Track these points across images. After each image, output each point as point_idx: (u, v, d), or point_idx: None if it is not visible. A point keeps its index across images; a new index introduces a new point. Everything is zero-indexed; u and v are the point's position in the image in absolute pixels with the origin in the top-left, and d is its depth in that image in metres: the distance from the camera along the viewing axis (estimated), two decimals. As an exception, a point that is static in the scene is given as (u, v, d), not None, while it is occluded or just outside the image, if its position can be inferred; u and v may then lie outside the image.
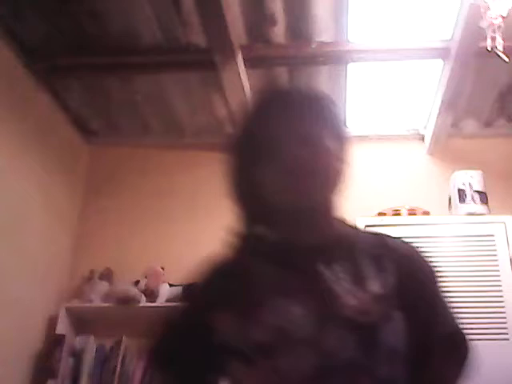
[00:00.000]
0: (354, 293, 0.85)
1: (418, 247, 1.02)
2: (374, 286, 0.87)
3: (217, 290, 0.92)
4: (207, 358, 0.91)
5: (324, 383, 0.80)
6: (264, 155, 0.93)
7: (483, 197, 2.58)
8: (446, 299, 0.98)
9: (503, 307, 2.26)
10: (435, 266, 1.01)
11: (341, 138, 1.01)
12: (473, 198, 2.57)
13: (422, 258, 1.01)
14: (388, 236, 1.03)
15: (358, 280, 0.88)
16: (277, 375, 0.81)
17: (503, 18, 1.86)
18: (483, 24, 1.90)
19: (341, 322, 0.82)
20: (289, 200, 0.92)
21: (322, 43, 2.52)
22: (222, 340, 0.87)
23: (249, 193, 0.97)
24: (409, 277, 0.92)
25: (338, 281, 0.87)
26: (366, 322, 0.83)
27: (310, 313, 0.83)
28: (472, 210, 2.54)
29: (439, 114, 2.79)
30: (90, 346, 2.65)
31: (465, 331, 0.97)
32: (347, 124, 3.05)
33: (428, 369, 0.91)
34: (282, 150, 0.91)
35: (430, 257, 1.01)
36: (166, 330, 1.03)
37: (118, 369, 2.59)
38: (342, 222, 1.00)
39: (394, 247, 0.99)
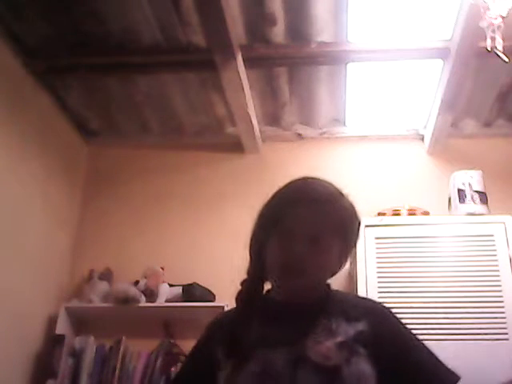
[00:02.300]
0: (321, 342, 1.02)
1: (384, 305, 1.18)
2: (339, 335, 1.03)
3: (220, 336, 1.12)
4: None
5: None
6: (275, 238, 1.11)
7: (483, 197, 2.57)
8: (417, 340, 1.12)
9: (503, 307, 2.26)
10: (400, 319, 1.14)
11: (347, 243, 1.15)
12: (472, 198, 2.56)
13: (389, 311, 1.15)
14: (367, 299, 1.26)
15: (328, 332, 1.04)
16: None
17: (503, 18, 1.86)
18: (483, 24, 1.90)
19: (309, 366, 1.00)
20: (283, 281, 1.11)
21: (322, 43, 2.52)
22: (218, 377, 1.07)
23: (258, 257, 1.15)
24: (379, 327, 1.07)
25: (312, 333, 1.04)
26: (329, 366, 0.99)
27: (286, 359, 1.01)
28: (472, 210, 2.54)
29: (439, 113, 2.79)
30: (89, 345, 2.65)
31: (447, 367, 1.12)
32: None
33: None
34: (287, 242, 1.08)
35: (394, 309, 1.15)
36: (186, 360, 1.31)
37: (118, 369, 2.59)
38: (335, 291, 1.18)
39: (364, 303, 1.19)
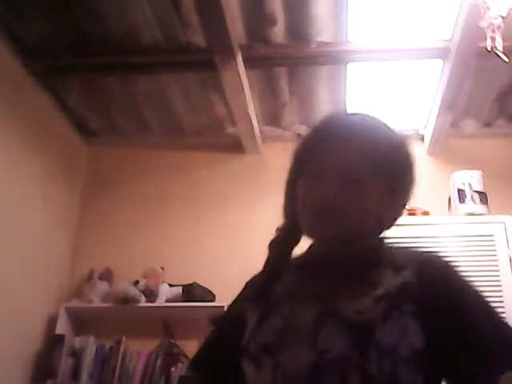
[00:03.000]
0: (357, 296, 0.88)
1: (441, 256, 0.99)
2: (379, 289, 0.89)
3: (250, 291, 1.02)
4: (234, 360, 0.96)
5: (318, 379, 0.83)
6: (306, 179, 0.98)
7: (483, 197, 2.57)
8: (482, 304, 0.93)
9: (503, 307, 2.26)
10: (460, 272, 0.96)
11: (397, 187, 0.98)
12: (472, 198, 2.56)
13: (448, 264, 0.97)
14: (424, 251, 1.03)
15: (369, 285, 0.90)
16: (278, 372, 0.86)
17: (503, 18, 1.86)
18: (483, 24, 1.90)
19: (336, 322, 0.86)
20: (318, 229, 0.97)
21: (322, 43, 2.52)
22: (244, 342, 0.94)
23: (291, 207, 1.02)
24: (431, 280, 0.91)
25: (349, 288, 0.90)
26: (361, 321, 0.85)
27: (311, 313, 0.89)
28: (472, 210, 2.54)
29: (439, 114, 2.79)
30: (89, 345, 2.65)
31: None
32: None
33: None
34: (317, 182, 0.95)
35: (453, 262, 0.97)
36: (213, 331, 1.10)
37: (118, 369, 2.59)
38: (389, 245, 1.01)
39: (418, 253, 1.01)
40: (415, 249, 1.04)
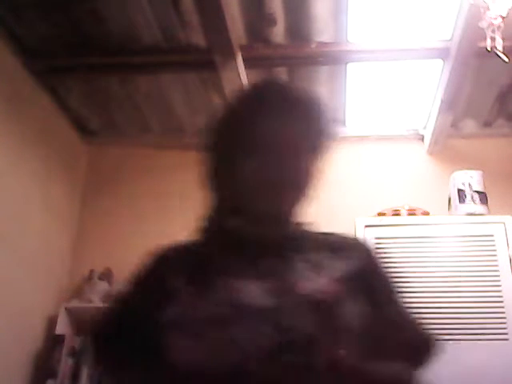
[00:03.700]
0: (311, 276, 0.89)
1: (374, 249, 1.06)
2: (331, 271, 0.91)
3: (177, 264, 0.96)
4: (153, 331, 0.89)
5: (283, 357, 0.80)
6: (247, 152, 0.95)
7: (483, 197, 2.57)
8: (401, 302, 1.02)
9: (503, 307, 2.26)
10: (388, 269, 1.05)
11: (322, 148, 1.01)
12: (472, 198, 2.56)
13: (379, 260, 1.04)
14: (350, 236, 1.08)
15: (317, 267, 0.92)
16: (234, 347, 0.81)
17: (503, 18, 1.86)
18: (483, 24, 1.90)
19: (298, 301, 0.85)
20: (258, 203, 0.95)
21: (322, 43, 2.52)
22: (173, 312, 0.87)
23: (225, 183, 0.99)
24: (368, 273, 0.97)
25: (297, 267, 0.91)
26: (323, 301, 0.86)
27: (268, 292, 0.86)
28: (472, 210, 2.54)
29: (439, 114, 2.79)
30: (89, 346, 2.65)
31: (425, 331, 1.00)
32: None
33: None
34: (267, 154, 0.93)
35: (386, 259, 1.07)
36: (119, 302, 1.05)
37: (118, 369, 2.59)
38: (306, 225, 1.03)
39: (355, 243, 1.06)
40: (339, 233, 1.06)
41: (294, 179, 0.95)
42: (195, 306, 0.86)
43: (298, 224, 1.01)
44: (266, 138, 0.94)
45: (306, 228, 1.03)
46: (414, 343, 0.98)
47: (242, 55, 2.51)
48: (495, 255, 2.36)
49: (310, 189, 0.99)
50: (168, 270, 0.95)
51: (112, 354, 0.99)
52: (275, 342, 0.81)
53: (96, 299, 2.74)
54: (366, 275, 0.96)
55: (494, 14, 1.85)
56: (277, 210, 0.96)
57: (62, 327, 2.68)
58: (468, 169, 2.68)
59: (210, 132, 1.03)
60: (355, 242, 1.06)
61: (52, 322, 2.70)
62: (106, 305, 2.70)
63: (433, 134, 2.96)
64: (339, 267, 0.93)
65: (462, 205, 2.57)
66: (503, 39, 1.88)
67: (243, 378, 0.79)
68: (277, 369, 0.79)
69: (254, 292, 0.85)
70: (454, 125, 3.02)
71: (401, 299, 1.01)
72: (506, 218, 2.45)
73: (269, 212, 0.95)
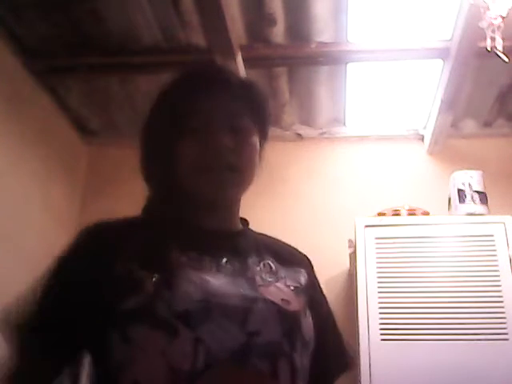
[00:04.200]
0: (273, 283, 0.87)
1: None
2: (288, 281, 0.90)
3: (122, 246, 0.86)
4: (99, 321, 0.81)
5: (246, 361, 0.78)
6: (190, 136, 0.90)
7: (483, 197, 2.57)
8: (332, 316, 1.02)
9: (503, 307, 2.26)
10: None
11: (264, 134, 1.00)
12: (472, 198, 2.56)
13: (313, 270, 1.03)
14: (279, 241, 1.04)
15: (274, 274, 0.89)
16: (201, 347, 0.77)
17: (503, 18, 1.86)
18: (483, 24, 1.90)
19: (265, 306, 0.82)
20: (203, 190, 0.91)
21: (322, 43, 2.52)
22: (134, 301, 0.79)
23: (165, 170, 0.94)
24: (311, 289, 0.96)
25: (255, 269, 0.88)
26: (289, 311, 0.84)
27: (236, 293, 0.82)
28: (472, 210, 2.54)
29: (439, 114, 2.79)
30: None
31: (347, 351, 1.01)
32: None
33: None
34: (209, 137, 0.89)
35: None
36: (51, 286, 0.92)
37: (118, 369, 2.58)
38: (242, 219, 1.01)
39: (301, 257, 1.02)
40: (277, 239, 1.03)
41: (238, 163, 0.91)
42: (162, 298, 0.78)
43: (242, 220, 0.99)
44: (208, 118, 0.90)
45: (246, 225, 1.00)
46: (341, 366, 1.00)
47: (242, 55, 2.51)
48: (495, 255, 2.36)
49: (253, 176, 0.95)
50: (113, 252, 0.86)
51: (39, 350, 0.86)
52: (240, 344, 0.78)
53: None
54: (310, 290, 0.95)
55: (494, 14, 1.85)
56: (222, 197, 0.91)
57: (62, 327, 2.67)
58: (468, 169, 2.68)
59: (147, 118, 0.99)
60: (301, 256, 1.02)
61: (52, 322, 2.70)
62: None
63: (433, 134, 2.96)
64: (294, 278, 0.91)
65: (462, 205, 2.57)
66: (503, 39, 1.88)
67: (207, 378, 0.76)
68: (241, 372, 0.77)
69: (221, 288, 0.81)
70: (454, 125, 3.02)
71: (334, 320, 1.02)
72: (506, 218, 2.45)
73: (214, 199, 0.91)
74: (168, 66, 2.68)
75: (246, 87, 0.96)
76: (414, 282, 2.33)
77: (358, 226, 2.48)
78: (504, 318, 2.24)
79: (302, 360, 0.84)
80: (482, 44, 2.06)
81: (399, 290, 2.32)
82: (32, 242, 2.67)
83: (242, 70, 2.55)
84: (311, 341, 0.88)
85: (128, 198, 3.15)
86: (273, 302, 0.83)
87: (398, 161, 3.11)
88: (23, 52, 2.58)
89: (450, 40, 2.43)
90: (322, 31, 2.47)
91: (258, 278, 0.86)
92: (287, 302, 0.85)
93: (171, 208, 0.94)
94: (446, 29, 2.41)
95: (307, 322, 0.87)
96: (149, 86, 2.83)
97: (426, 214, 2.64)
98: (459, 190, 2.60)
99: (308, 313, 0.89)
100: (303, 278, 0.94)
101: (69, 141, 3.12)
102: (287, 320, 0.83)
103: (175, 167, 0.91)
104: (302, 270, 0.95)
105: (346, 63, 2.63)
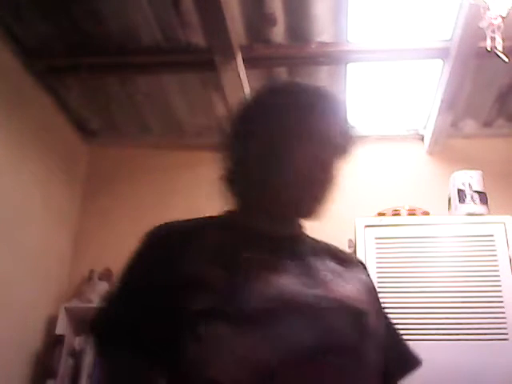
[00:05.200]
0: (338, 282, 0.89)
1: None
2: (352, 281, 0.92)
3: (204, 246, 0.87)
4: (175, 320, 0.81)
5: (319, 358, 0.78)
6: (306, 146, 0.92)
7: (483, 197, 2.57)
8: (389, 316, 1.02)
9: (503, 307, 2.26)
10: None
11: (345, 147, 1.02)
12: (472, 198, 2.56)
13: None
14: (332, 245, 1.07)
15: (338, 275, 0.92)
16: (277, 344, 0.77)
17: (503, 18, 1.86)
18: (483, 24, 1.90)
19: (336, 305, 0.84)
20: (293, 200, 0.93)
21: (322, 43, 2.52)
22: (207, 300, 0.80)
23: (264, 177, 0.94)
24: (372, 287, 0.99)
25: (320, 271, 0.90)
26: (359, 310, 0.86)
27: (307, 292, 0.83)
28: (472, 210, 2.54)
29: (439, 114, 2.79)
30: (89, 346, 2.65)
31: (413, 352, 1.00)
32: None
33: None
34: (303, 151, 0.91)
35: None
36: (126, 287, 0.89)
37: (118, 369, 2.58)
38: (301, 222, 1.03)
39: (358, 260, 1.05)
40: (332, 244, 1.06)
41: (331, 178, 0.95)
42: (235, 297, 0.79)
43: (301, 225, 1.02)
44: (319, 132, 0.93)
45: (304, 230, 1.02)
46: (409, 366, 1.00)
47: (242, 55, 2.51)
48: (495, 255, 2.36)
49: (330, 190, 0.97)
50: (182, 253, 0.85)
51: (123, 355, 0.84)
52: (314, 341, 0.78)
53: (96, 299, 2.74)
54: (373, 291, 0.98)
55: (494, 14, 1.85)
56: (317, 209, 0.93)
57: (62, 327, 2.68)
58: (468, 169, 2.68)
59: (254, 123, 0.98)
60: (357, 259, 1.06)
61: (52, 322, 2.70)
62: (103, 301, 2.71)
63: (433, 134, 2.96)
64: (356, 278, 0.94)
65: (462, 205, 2.57)
66: (503, 39, 1.88)
67: (284, 375, 0.76)
68: (317, 368, 0.77)
69: (291, 288, 0.82)
70: (454, 125, 3.02)
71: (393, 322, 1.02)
72: (506, 218, 2.45)
73: (310, 211, 0.93)
74: (168, 65, 2.68)
75: (340, 105, 1.02)
76: (414, 282, 2.33)
77: (357, 226, 2.48)
78: (504, 318, 2.24)
79: (374, 356, 0.85)
80: (481, 44, 2.06)
81: (399, 289, 2.32)
82: (32, 242, 2.68)
83: (242, 69, 2.55)
84: (381, 338, 0.89)
85: (128, 198, 3.17)
86: (341, 300, 0.85)
87: (398, 161, 3.11)
88: (23, 52, 2.58)
89: (450, 40, 2.43)
90: (322, 31, 2.47)
91: (323, 278, 0.88)
92: (355, 300, 0.87)
93: (251, 214, 0.96)
94: (446, 29, 2.41)
95: (375, 320, 0.88)
96: (149, 86, 2.83)
97: (426, 214, 2.64)
98: (459, 190, 2.60)
99: (374, 311, 0.90)
100: (364, 279, 0.96)
101: (69, 141, 3.12)
102: (357, 317, 0.84)
103: (281, 175, 0.92)
104: (362, 271, 0.98)
105: (346, 63, 2.63)
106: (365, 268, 1.02)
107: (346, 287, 0.89)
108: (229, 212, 1.00)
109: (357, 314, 0.85)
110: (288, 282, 0.83)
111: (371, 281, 1.00)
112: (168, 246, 0.89)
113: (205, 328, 0.78)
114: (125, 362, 0.83)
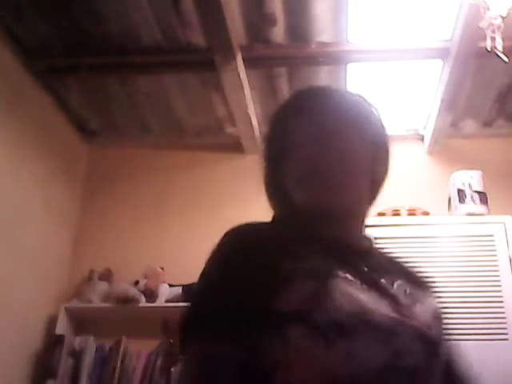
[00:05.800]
0: (413, 305, 0.87)
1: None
2: (425, 305, 0.89)
3: (296, 254, 0.85)
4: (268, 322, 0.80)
5: (385, 381, 0.77)
6: (288, 155, 0.93)
7: (483, 197, 2.57)
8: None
9: (503, 307, 2.26)
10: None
11: (376, 144, 1.03)
12: (472, 198, 2.56)
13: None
14: (403, 261, 1.05)
15: (410, 295, 0.89)
16: (351, 360, 0.76)
17: (503, 18, 1.86)
18: (483, 24, 1.90)
19: (410, 329, 0.82)
20: (311, 203, 0.92)
21: (322, 43, 2.52)
22: (296, 304, 0.79)
23: (276, 193, 0.97)
24: (441, 312, 0.95)
25: (395, 289, 0.87)
26: (430, 336, 0.84)
27: (382, 310, 0.81)
28: (471, 210, 2.54)
29: (439, 114, 2.79)
30: (89, 346, 2.65)
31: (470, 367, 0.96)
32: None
33: None
34: (302, 151, 0.92)
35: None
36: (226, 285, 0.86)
37: (118, 369, 2.58)
38: (368, 235, 1.00)
39: (427, 280, 1.04)
40: (402, 260, 1.05)
41: (344, 172, 0.97)
42: (320, 305, 0.78)
43: (371, 239, 1.00)
44: (307, 136, 0.94)
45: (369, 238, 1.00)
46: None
47: (242, 55, 2.51)
48: (495, 255, 2.36)
49: (367, 188, 1.03)
50: (270, 254, 0.84)
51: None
52: (383, 363, 0.77)
53: (96, 299, 2.74)
54: (442, 317, 0.94)
55: (494, 14, 1.85)
56: (333, 207, 0.93)
57: (62, 327, 2.68)
58: (468, 169, 2.68)
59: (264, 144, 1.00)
60: (428, 279, 1.04)
61: (52, 322, 2.70)
62: (108, 303, 2.71)
63: (433, 134, 2.96)
64: (429, 302, 0.92)
65: (462, 205, 2.57)
66: (503, 39, 1.88)
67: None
68: None
69: (369, 305, 0.80)
70: (454, 125, 3.02)
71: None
72: (506, 218, 2.45)
73: (326, 210, 0.92)
74: (168, 65, 2.68)
75: (347, 101, 1.06)
76: (414, 282, 2.33)
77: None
78: (504, 318, 2.25)
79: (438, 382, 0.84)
80: (481, 44, 2.06)
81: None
82: (32, 242, 2.68)
83: (242, 69, 2.55)
84: (443, 365, 0.86)
85: (128, 198, 3.17)
86: (416, 326, 0.83)
87: (398, 161, 3.09)
88: (23, 52, 2.58)
89: (450, 40, 2.44)
90: (322, 31, 2.47)
91: (398, 298, 0.86)
92: (428, 326, 0.85)
93: (315, 221, 0.93)
94: (446, 29, 2.41)
95: (444, 348, 0.87)
96: (149, 86, 2.83)
97: (426, 214, 2.64)
98: (459, 190, 2.61)
99: (443, 339, 0.88)
100: (435, 303, 0.94)
101: (69, 141, 3.12)
102: (428, 345, 0.82)
103: (285, 187, 0.94)
104: (433, 295, 0.96)
105: (346, 63, 2.63)
106: (434, 289, 1.00)
107: (419, 310, 0.87)
108: (285, 218, 0.98)
109: (427, 340, 0.83)
110: (365, 299, 0.81)
111: (439, 306, 0.97)
112: (260, 249, 0.87)
113: (289, 331, 0.77)
114: (222, 360, 0.80)
